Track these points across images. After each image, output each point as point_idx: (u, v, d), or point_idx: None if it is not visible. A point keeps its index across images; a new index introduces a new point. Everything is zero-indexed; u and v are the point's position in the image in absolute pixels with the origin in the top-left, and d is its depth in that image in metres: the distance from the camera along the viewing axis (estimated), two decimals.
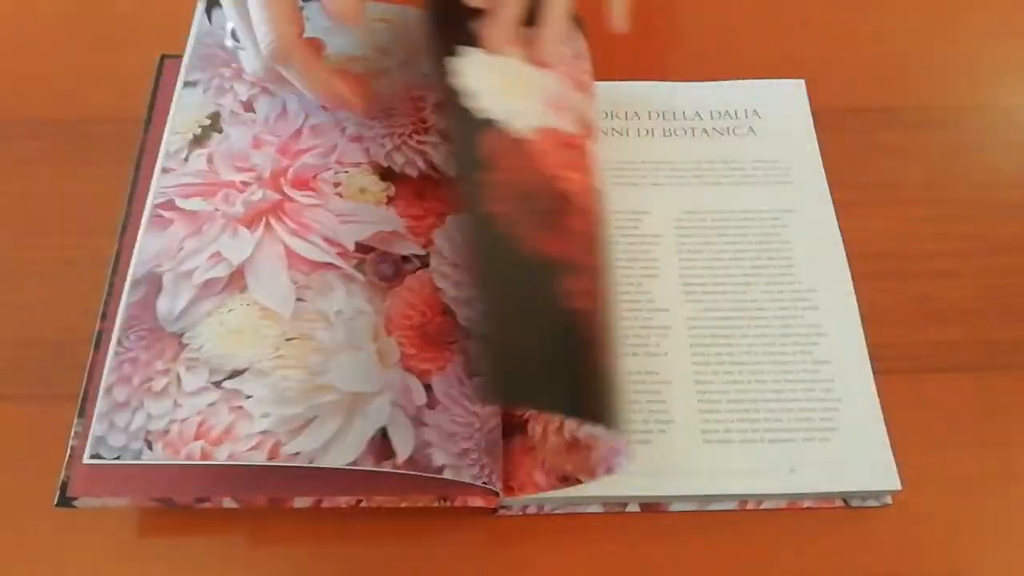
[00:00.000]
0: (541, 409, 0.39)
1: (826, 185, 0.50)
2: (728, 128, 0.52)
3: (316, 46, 0.41)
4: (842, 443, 0.42)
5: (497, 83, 0.42)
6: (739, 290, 0.46)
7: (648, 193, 0.49)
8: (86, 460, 0.38)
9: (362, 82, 0.45)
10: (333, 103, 0.44)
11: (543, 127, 0.41)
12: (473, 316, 0.37)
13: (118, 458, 0.38)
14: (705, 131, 0.52)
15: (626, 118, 0.52)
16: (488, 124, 0.40)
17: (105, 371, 0.40)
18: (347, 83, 0.43)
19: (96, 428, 0.38)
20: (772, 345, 0.45)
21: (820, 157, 0.51)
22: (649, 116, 0.52)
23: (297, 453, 0.38)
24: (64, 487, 0.39)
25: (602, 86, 0.53)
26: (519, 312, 0.36)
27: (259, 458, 0.38)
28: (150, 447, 0.38)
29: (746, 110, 0.53)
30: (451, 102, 0.40)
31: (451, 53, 0.42)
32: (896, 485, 0.41)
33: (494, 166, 0.38)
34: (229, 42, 0.46)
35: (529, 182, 0.39)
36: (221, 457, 0.38)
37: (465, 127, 0.40)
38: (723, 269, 0.47)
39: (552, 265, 0.36)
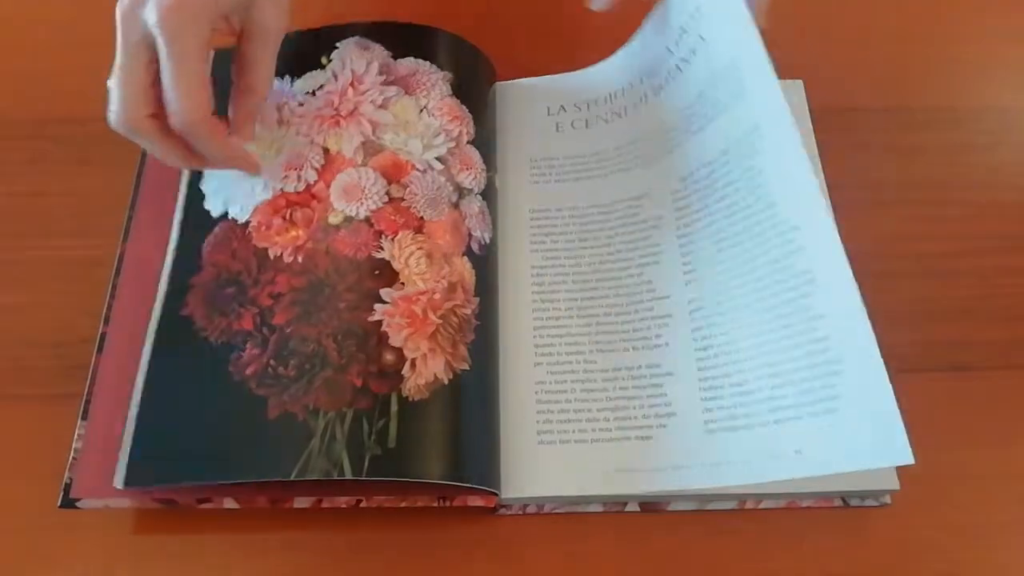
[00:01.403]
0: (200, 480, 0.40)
1: (824, 186, 0.50)
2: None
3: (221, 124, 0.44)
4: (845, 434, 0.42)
5: (227, 175, 0.46)
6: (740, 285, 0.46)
7: (642, 174, 0.49)
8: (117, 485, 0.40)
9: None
10: (234, 167, 0.45)
11: (262, 203, 0.45)
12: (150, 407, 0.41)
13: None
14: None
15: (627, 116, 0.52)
16: (214, 222, 0.45)
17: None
18: (243, 150, 0.45)
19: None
20: (770, 332, 0.44)
21: (819, 157, 0.51)
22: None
23: None
24: (67, 489, 0.39)
25: (603, 84, 0.53)
26: (195, 398, 0.41)
27: None
28: None
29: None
30: (188, 208, 0.46)
31: None
32: (895, 485, 0.41)
33: (203, 265, 0.44)
34: None
35: (233, 269, 0.44)
36: None
37: (192, 233, 0.45)
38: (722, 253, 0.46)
39: (229, 346, 0.42)
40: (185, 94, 0.39)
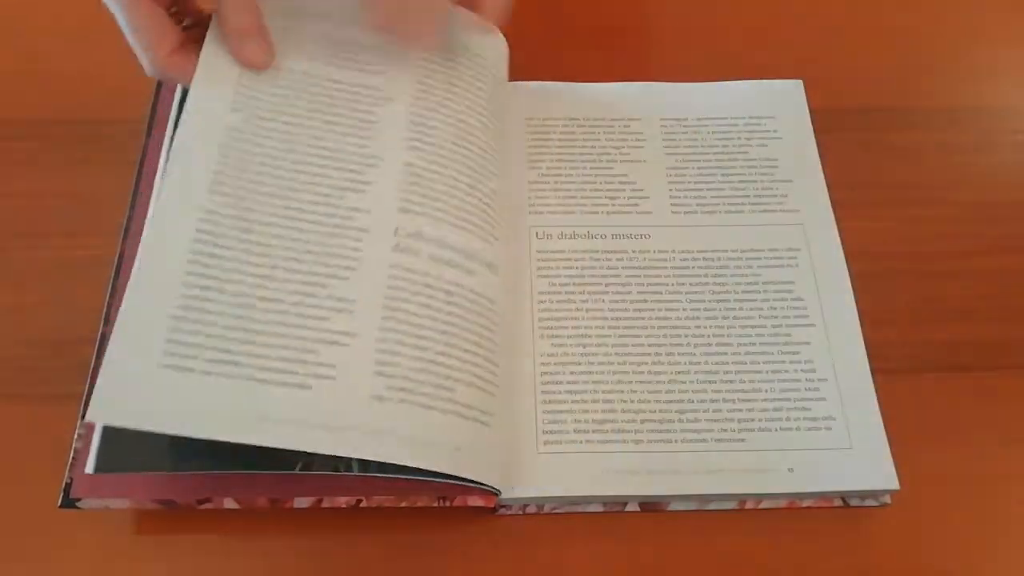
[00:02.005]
0: None
1: (824, 185, 0.50)
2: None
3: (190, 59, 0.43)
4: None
5: None
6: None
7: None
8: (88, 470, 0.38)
9: None
10: None
11: None
12: None
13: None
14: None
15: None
16: None
17: None
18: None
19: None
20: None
21: (819, 157, 0.51)
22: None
23: None
24: (68, 489, 0.39)
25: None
26: None
27: None
28: None
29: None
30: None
31: None
32: (895, 485, 0.41)
33: None
34: None
35: None
36: None
37: None
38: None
39: None
40: (141, 47, 0.41)
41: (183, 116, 0.41)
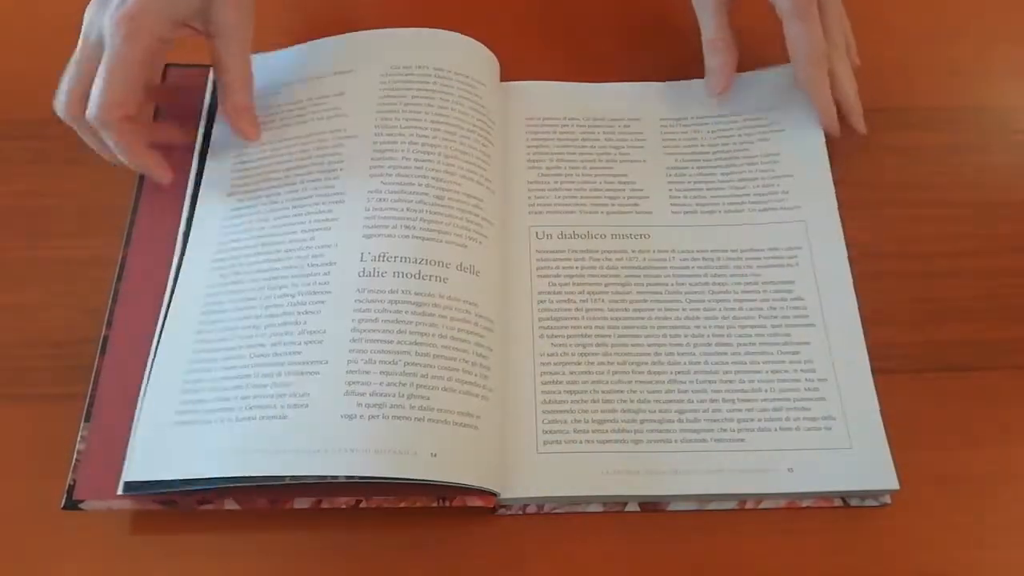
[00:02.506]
0: None
1: (829, 176, 0.49)
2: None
3: (138, 127, 0.46)
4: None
5: None
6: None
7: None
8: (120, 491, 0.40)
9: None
10: (142, 171, 0.47)
11: None
12: None
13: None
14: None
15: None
16: None
17: None
18: (155, 158, 0.46)
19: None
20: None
21: (826, 155, 0.50)
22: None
23: None
24: (70, 490, 0.40)
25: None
26: None
27: None
28: None
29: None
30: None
31: None
32: (895, 485, 0.41)
33: None
34: None
35: None
36: None
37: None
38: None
39: None
40: (107, 89, 0.43)
41: (193, 219, 0.47)
